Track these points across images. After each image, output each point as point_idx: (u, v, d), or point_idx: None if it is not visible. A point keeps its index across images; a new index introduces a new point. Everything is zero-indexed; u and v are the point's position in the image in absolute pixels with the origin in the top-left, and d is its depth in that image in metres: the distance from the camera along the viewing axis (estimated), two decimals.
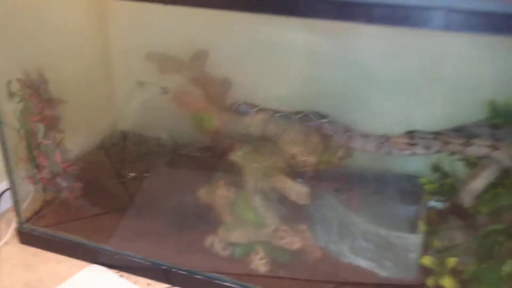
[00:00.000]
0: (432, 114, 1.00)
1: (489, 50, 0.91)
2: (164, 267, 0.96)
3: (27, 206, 1.07)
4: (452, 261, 0.84)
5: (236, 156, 0.94)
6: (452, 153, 0.89)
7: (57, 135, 0.99)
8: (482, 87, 0.95)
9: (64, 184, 1.02)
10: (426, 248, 0.91)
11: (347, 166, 1.04)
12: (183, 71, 1.03)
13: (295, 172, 0.97)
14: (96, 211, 1.09)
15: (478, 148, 0.81)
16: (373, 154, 0.95)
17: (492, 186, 0.87)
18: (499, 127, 0.84)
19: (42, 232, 1.04)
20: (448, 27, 0.63)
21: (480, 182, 0.81)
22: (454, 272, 0.85)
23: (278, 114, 0.95)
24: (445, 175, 0.96)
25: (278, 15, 0.68)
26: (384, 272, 0.92)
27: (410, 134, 0.87)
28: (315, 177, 0.99)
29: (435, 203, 1.02)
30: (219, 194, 0.97)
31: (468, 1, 0.61)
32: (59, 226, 1.05)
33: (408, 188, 1.06)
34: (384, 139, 0.89)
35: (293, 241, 0.91)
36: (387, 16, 0.64)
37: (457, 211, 0.95)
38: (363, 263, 0.94)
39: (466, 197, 0.84)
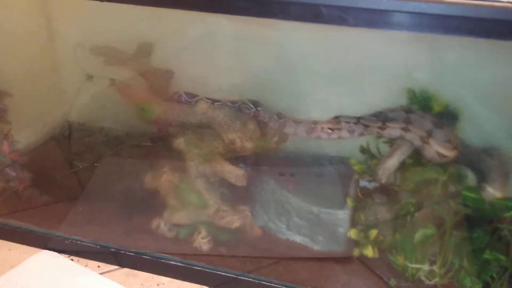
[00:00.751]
0: (359, 101, 1.09)
1: (409, 44, 1.00)
2: (113, 250, 1.01)
3: None
4: (374, 233, 0.94)
5: (179, 143, 1.01)
6: (378, 136, 0.99)
7: (4, 127, 1.02)
8: (402, 77, 1.04)
9: (13, 174, 1.05)
10: (354, 223, 1.01)
11: (289, 151, 1.13)
12: (128, 63, 1.08)
13: (237, 157, 1.05)
14: (46, 200, 1.13)
15: (392, 130, 0.90)
16: (312, 140, 1.04)
17: (412, 164, 0.98)
18: (412, 111, 0.93)
19: None
20: (357, 24, 0.71)
21: (394, 160, 0.91)
22: (376, 242, 0.95)
23: (217, 103, 1.02)
24: (372, 156, 1.06)
25: (204, 12, 0.75)
26: (317, 246, 1.01)
27: (336, 119, 0.96)
28: (257, 161, 1.08)
29: (366, 183, 1.12)
30: (163, 179, 1.03)
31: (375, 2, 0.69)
32: (11, 214, 1.09)
33: (342, 170, 1.15)
34: (314, 125, 0.98)
35: (232, 220, 0.98)
36: (300, 13, 0.71)
37: (383, 189, 1.05)
38: (298, 238, 1.03)
39: (383, 175, 0.93)
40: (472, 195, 0.83)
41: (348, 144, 1.10)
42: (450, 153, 0.86)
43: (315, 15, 0.71)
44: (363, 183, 1.12)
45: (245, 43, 1.07)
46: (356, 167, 1.06)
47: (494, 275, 0.85)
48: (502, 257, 0.83)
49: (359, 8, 0.69)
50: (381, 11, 0.68)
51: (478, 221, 0.86)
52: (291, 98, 1.11)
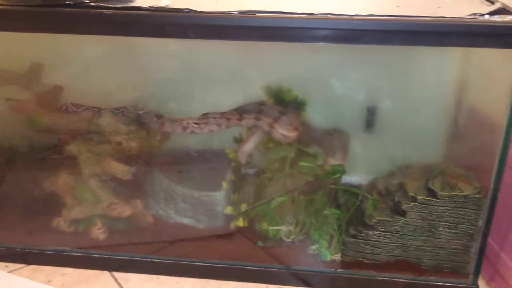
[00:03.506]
0: (232, 99, 1.27)
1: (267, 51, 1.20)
2: (18, 249, 1.13)
3: None
4: (243, 207, 1.13)
5: (70, 148, 1.15)
6: (239, 126, 1.17)
7: None
8: (263, 77, 1.24)
9: None
10: (232, 202, 1.19)
11: (178, 148, 1.30)
12: (17, 82, 1.20)
13: (130, 156, 1.19)
14: None
15: (247, 121, 1.10)
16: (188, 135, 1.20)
17: (273, 147, 1.18)
18: (264, 104, 1.14)
19: None
20: (196, 37, 0.89)
21: (250, 144, 1.11)
22: (246, 214, 1.14)
23: (102, 111, 1.16)
24: None
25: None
26: (201, 225, 1.19)
27: (204, 115, 1.14)
28: (149, 159, 1.23)
29: (247, 169, 1.31)
30: (60, 182, 1.16)
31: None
32: None
33: (223, 159, 1.33)
34: (187, 122, 1.15)
35: (123, 210, 1.13)
36: (151, 31, 0.89)
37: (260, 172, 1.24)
38: (185, 220, 1.20)
39: (242, 157, 1.13)
40: (307, 164, 1.05)
41: (228, 137, 1.29)
42: (291, 134, 1.07)
43: (162, 32, 0.89)
44: (246, 169, 1.31)
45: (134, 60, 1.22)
46: (230, 155, 1.24)
47: (335, 227, 1.06)
48: (337, 211, 1.05)
49: (196, 24, 0.88)
50: (212, 26, 0.87)
51: (319, 185, 1.07)
52: (180, 102, 1.28)
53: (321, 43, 0.86)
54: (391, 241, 1.02)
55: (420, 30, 0.83)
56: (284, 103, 1.18)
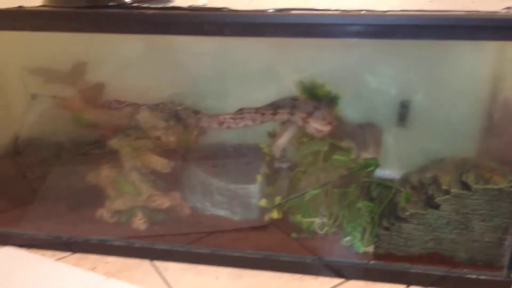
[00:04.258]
0: (266, 95, 1.31)
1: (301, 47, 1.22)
2: (64, 239, 1.19)
3: None
4: (278, 199, 1.16)
5: (113, 143, 1.21)
6: (273, 121, 1.20)
7: None
8: (298, 73, 1.27)
9: None
10: (267, 195, 1.22)
11: (214, 143, 1.34)
12: (64, 80, 1.27)
13: (169, 151, 1.24)
14: (5, 206, 1.30)
15: (282, 116, 1.13)
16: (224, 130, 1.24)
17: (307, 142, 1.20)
18: (298, 99, 1.16)
19: None
20: (232, 34, 0.93)
21: (284, 138, 1.13)
22: (280, 207, 1.17)
23: (142, 107, 1.22)
24: None
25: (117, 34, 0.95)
26: (236, 217, 1.23)
27: (240, 111, 1.17)
28: (186, 153, 1.28)
29: (281, 164, 1.34)
30: (103, 175, 1.22)
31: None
32: None
33: (258, 153, 1.36)
34: (223, 117, 1.19)
35: (162, 202, 1.18)
36: (190, 29, 0.93)
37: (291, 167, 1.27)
38: (221, 212, 1.24)
39: (276, 151, 1.16)
40: (341, 158, 1.07)
41: (262, 132, 1.32)
42: (325, 128, 1.09)
43: (200, 30, 0.93)
44: (279, 164, 1.34)
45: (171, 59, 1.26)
46: (265, 150, 1.27)
47: (368, 219, 1.08)
48: (370, 204, 1.07)
49: (232, 22, 0.91)
50: (247, 23, 0.90)
51: (352, 179, 1.10)
52: (216, 98, 1.32)
53: (354, 39, 0.88)
54: (424, 234, 1.04)
55: (454, 24, 0.84)
56: (318, 98, 1.20)
